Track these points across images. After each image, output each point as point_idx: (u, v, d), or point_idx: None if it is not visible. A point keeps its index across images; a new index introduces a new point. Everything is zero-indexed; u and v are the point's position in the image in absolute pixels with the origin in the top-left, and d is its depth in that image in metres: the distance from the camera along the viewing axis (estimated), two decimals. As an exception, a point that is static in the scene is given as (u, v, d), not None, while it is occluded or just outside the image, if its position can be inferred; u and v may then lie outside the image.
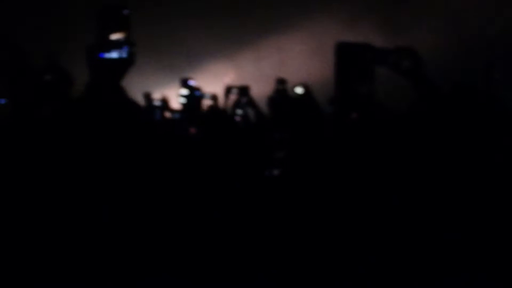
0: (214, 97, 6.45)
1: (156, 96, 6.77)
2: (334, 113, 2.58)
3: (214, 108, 5.00)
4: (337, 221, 2.46)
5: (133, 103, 2.27)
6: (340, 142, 2.47)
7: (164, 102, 6.37)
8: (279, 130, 2.67)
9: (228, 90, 5.49)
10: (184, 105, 4.94)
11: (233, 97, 5.42)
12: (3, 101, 2.46)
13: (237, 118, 5.38)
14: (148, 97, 6.15)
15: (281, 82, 5.57)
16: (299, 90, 5.20)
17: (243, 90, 5.40)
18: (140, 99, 3.86)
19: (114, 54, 2.26)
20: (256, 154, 2.76)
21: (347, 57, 2.09)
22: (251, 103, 5.50)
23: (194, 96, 4.85)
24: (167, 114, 5.38)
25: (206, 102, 6.11)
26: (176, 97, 5.62)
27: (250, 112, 5.67)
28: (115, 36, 2.30)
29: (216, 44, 13.04)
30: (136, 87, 2.57)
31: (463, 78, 3.60)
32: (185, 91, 5.23)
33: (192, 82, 5.42)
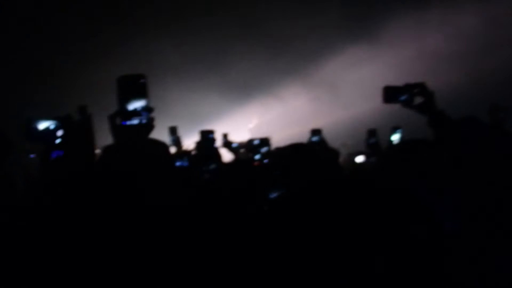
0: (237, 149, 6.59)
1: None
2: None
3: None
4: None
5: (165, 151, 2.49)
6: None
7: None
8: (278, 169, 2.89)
9: (249, 143, 5.78)
10: (197, 153, 5.16)
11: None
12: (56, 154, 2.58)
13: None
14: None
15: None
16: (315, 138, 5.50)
17: (264, 141, 5.73)
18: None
19: (134, 121, 2.43)
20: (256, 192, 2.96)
21: None
22: (270, 153, 5.68)
23: (209, 144, 5.04)
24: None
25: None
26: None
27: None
28: (134, 105, 2.43)
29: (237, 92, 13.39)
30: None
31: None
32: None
33: (211, 135, 5.67)
